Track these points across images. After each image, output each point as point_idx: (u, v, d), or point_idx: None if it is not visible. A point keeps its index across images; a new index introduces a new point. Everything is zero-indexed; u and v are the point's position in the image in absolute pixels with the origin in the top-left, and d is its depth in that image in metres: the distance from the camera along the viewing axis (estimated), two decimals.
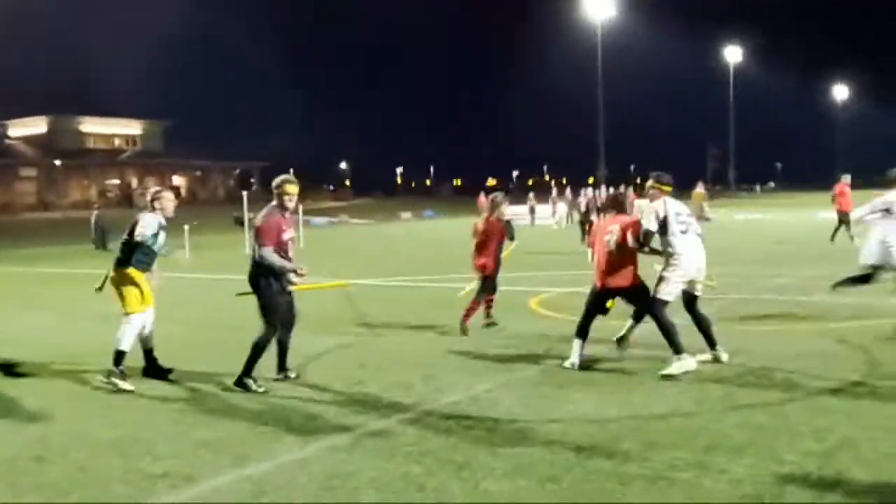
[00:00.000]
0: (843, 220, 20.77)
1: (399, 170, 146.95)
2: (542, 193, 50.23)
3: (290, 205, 7.09)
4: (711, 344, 7.34)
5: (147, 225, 7.11)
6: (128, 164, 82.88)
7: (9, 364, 7.98)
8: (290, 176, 7.17)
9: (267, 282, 6.79)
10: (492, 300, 9.74)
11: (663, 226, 7.08)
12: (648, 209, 7.20)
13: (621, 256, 7.18)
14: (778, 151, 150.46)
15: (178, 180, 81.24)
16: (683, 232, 7.11)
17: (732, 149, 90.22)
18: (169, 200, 7.40)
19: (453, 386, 6.68)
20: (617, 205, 8.15)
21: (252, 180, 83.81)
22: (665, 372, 6.76)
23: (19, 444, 5.38)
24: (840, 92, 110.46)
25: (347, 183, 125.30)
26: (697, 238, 7.25)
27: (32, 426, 5.86)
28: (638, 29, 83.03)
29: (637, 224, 7.22)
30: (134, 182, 77.35)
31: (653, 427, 5.42)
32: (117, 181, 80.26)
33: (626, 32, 71.09)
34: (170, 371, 7.31)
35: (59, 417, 6.07)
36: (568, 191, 40.68)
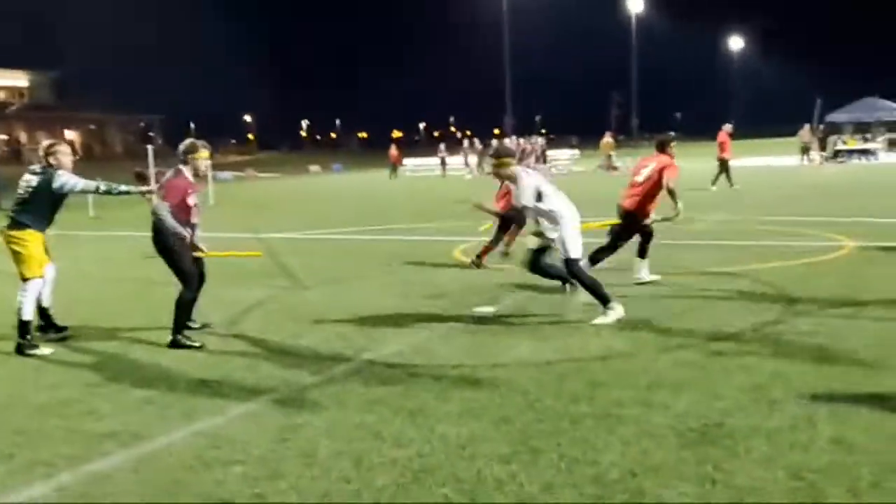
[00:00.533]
0: (723, 166, 22.28)
1: (305, 123, 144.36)
2: (451, 145, 50.32)
3: (203, 170, 6.93)
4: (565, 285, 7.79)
5: (71, 176, 6.73)
6: (15, 119, 78.60)
7: None
8: (199, 141, 6.95)
9: (172, 241, 6.56)
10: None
11: (539, 194, 7.07)
12: (523, 186, 7.07)
13: (643, 187, 8.40)
14: (677, 101, 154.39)
15: (71, 135, 77.51)
16: (553, 192, 7.16)
17: (634, 98, 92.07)
18: (65, 154, 6.91)
19: (391, 336, 6.71)
20: (660, 146, 8.75)
21: (151, 134, 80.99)
22: (597, 321, 6.93)
23: None
24: (736, 42, 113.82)
25: (250, 136, 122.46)
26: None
27: None
28: None
29: (673, 168, 8.40)
30: (23, 137, 73.52)
31: (593, 368, 5.58)
32: (4, 136, 76.12)
33: None
34: (65, 328, 7.10)
35: None
36: (476, 142, 40.87)
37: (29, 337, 6.60)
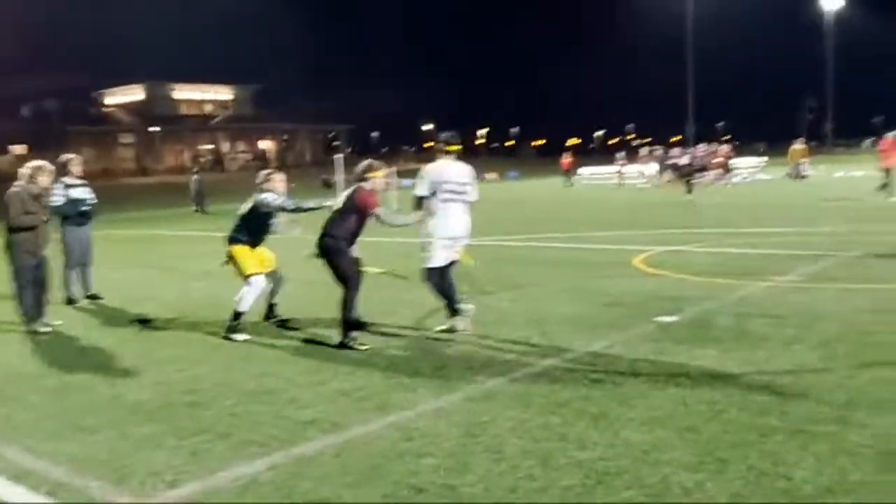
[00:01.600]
0: (888, 175, 21.22)
1: (482, 131, 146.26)
2: (629, 154, 49.35)
3: (381, 188, 7.42)
4: (453, 311, 7.29)
5: (274, 198, 7.62)
6: (219, 130, 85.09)
7: (145, 319, 8.47)
8: (375, 161, 7.52)
9: (339, 246, 7.00)
10: None
11: (434, 191, 7.10)
12: (423, 173, 7.23)
13: None
14: (879, 104, 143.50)
15: (265, 144, 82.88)
16: (446, 200, 7.20)
17: (830, 102, 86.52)
18: (279, 182, 7.84)
19: (572, 342, 6.78)
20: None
21: (336, 143, 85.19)
22: (441, 327, 7.33)
23: (172, 392, 5.74)
24: None
25: (428, 145, 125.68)
26: (462, 206, 7.38)
27: (179, 375, 6.23)
28: None
29: None
30: (226, 147, 79.45)
31: (782, 382, 5.41)
32: (210, 146, 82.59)
33: None
34: (287, 321, 7.97)
35: (201, 368, 6.43)
36: (659, 149, 39.88)
37: (237, 323, 7.45)
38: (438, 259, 7.28)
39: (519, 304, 8.70)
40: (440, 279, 7.32)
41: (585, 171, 47.20)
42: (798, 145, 35.98)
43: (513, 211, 24.95)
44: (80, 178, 10.19)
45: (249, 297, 7.53)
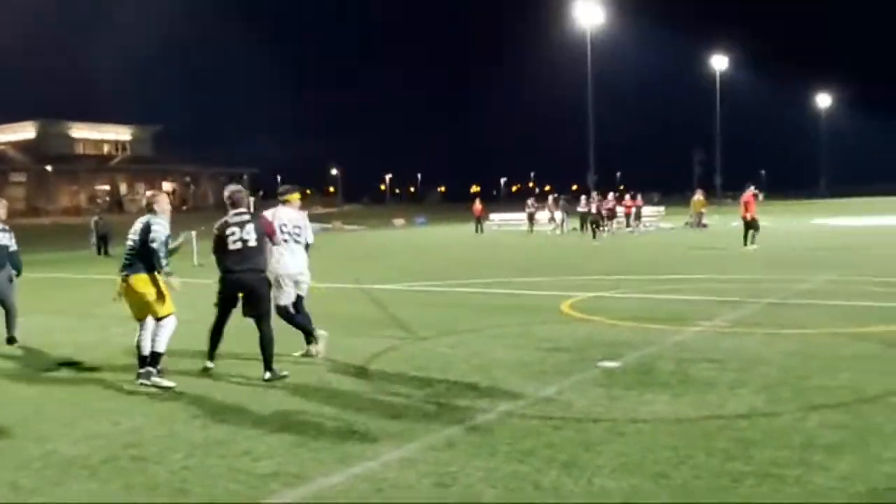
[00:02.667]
0: (749, 225, 22.78)
1: (388, 177, 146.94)
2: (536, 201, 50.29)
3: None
4: (308, 339, 8.12)
5: (162, 227, 7.15)
6: (117, 170, 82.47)
7: (71, 362, 8.07)
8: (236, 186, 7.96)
9: (264, 279, 7.56)
10: None
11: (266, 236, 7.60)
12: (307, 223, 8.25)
13: None
14: (762, 159, 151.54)
15: (167, 186, 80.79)
16: (285, 241, 7.91)
17: (719, 156, 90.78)
18: (166, 203, 7.49)
19: (521, 388, 6.74)
20: None
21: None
22: (299, 353, 8.01)
23: (114, 445, 5.38)
24: (823, 100, 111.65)
25: (332, 189, 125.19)
26: (297, 246, 8.04)
27: (116, 427, 5.86)
28: (625, 36, 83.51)
29: None
30: (123, 188, 76.98)
31: (739, 426, 5.49)
32: (107, 187, 79.86)
33: (613, 39, 71.26)
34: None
35: (138, 419, 6.06)
36: (562, 197, 40.82)
37: (159, 368, 7.09)
38: (287, 296, 7.97)
39: (459, 349, 8.61)
40: (292, 313, 8.04)
41: (495, 217, 47.82)
42: (698, 196, 37.50)
43: (433, 257, 25.01)
44: (3, 223, 9.71)
45: (166, 336, 7.13)
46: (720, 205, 73.08)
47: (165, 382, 6.99)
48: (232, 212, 7.47)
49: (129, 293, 7.15)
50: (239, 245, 7.33)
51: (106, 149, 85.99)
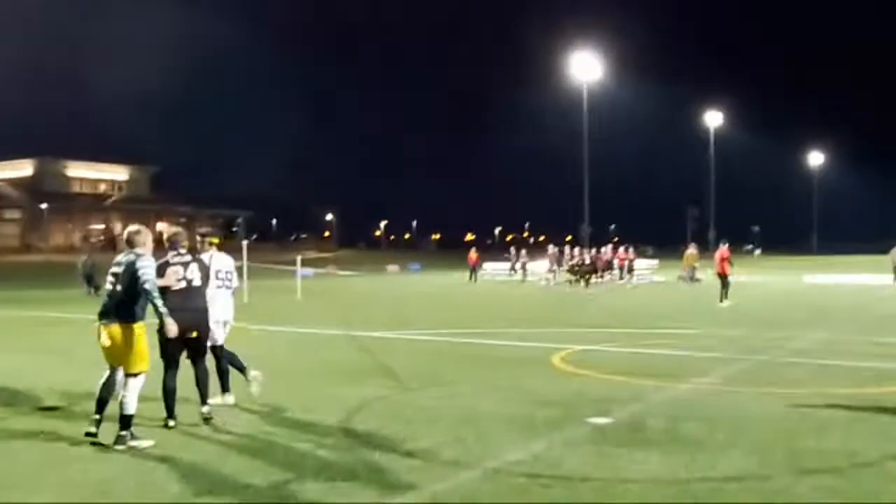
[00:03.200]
0: (724, 282, 23.12)
1: (383, 223, 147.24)
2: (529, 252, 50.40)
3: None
4: (225, 387, 8.04)
5: (150, 267, 6.54)
6: (113, 209, 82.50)
7: (43, 406, 7.86)
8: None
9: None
10: None
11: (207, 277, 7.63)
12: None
13: None
14: (755, 214, 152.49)
15: (162, 227, 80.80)
16: (218, 287, 8.03)
17: (712, 211, 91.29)
18: (149, 237, 6.84)
19: (510, 444, 6.57)
20: None
21: (235, 228, 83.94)
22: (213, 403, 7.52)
23: (83, 495, 5.19)
24: (815, 158, 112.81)
25: (326, 234, 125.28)
26: (226, 291, 8.21)
27: (89, 476, 5.66)
28: (622, 90, 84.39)
29: None
30: (118, 227, 76.93)
31: (731, 489, 5.33)
32: (102, 226, 79.81)
33: (610, 93, 71.96)
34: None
35: (113, 467, 5.87)
36: (552, 247, 40.68)
37: (132, 431, 6.46)
38: (221, 337, 8.13)
39: (446, 401, 8.44)
40: (231, 352, 8.22)
41: (488, 266, 47.77)
42: (692, 250, 37.53)
43: (425, 304, 24.88)
44: None
45: (135, 395, 6.48)
46: (713, 259, 73.26)
47: (144, 443, 6.44)
48: (172, 252, 7.38)
49: (107, 341, 6.54)
50: (183, 284, 7.27)
51: (102, 188, 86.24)
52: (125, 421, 6.43)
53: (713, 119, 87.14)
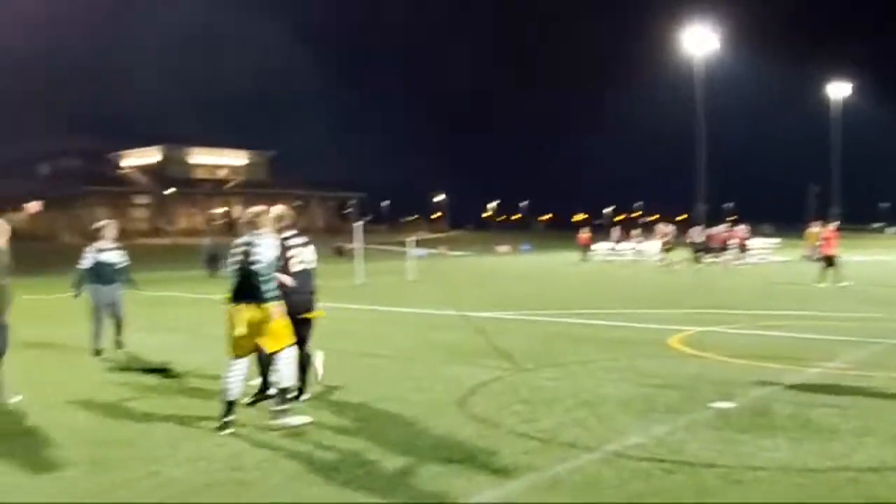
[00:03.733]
0: (830, 262, 21.93)
1: (492, 204, 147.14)
2: (630, 229, 49.35)
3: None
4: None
5: (266, 248, 6.52)
6: (233, 194, 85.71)
7: (165, 371, 8.20)
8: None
9: None
10: None
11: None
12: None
13: None
14: (883, 190, 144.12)
15: (278, 209, 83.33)
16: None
17: (836, 187, 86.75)
18: (270, 218, 6.87)
19: (630, 426, 6.46)
20: None
21: (348, 210, 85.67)
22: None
23: (217, 468, 5.42)
24: None
25: (436, 215, 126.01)
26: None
27: (223, 449, 5.91)
28: (738, 62, 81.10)
29: None
30: (238, 211, 79.84)
31: (868, 480, 5.07)
32: (223, 210, 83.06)
33: (725, 65, 69.26)
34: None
35: (245, 442, 6.11)
36: (671, 227, 39.63)
37: (286, 406, 6.51)
38: None
39: (563, 382, 8.38)
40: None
41: (599, 246, 47.08)
42: (816, 228, 35.79)
43: (536, 285, 24.76)
44: (114, 242, 10.91)
45: (287, 369, 6.54)
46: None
47: (297, 420, 6.44)
48: (288, 233, 7.28)
49: (242, 328, 6.47)
50: (301, 266, 7.30)
51: (223, 173, 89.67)
52: (282, 394, 6.45)
53: (838, 90, 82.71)
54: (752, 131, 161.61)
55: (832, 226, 23.44)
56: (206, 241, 32.64)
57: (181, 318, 16.35)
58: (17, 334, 8.25)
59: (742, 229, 36.43)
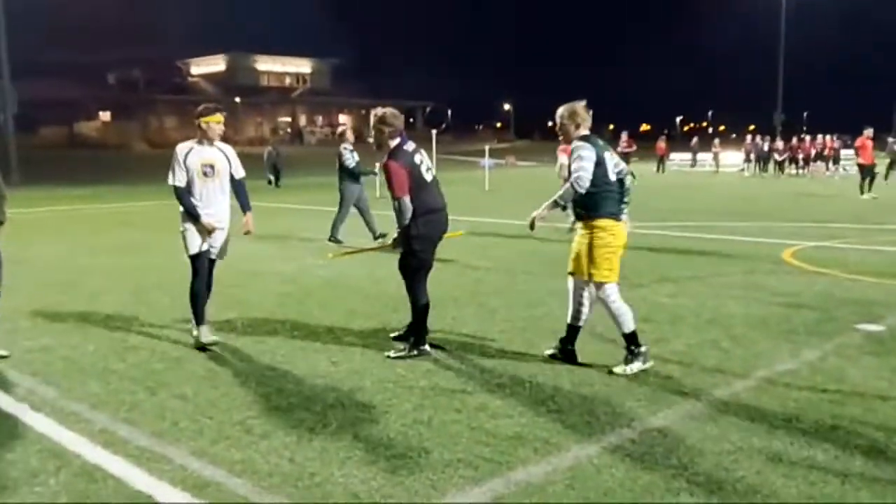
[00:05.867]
0: (866, 173, 21.08)
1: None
2: (704, 141, 47.58)
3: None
4: None
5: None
6: (298, 103, 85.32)
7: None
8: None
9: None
10: None
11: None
12: None
13: None
14: None
15: (343, 118, 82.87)
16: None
17: None
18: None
19: (774, 351, 5.89)
20: None
21: (411, 119, 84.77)
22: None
23: (338, 388, 5.06)
24: None
25: (500, 125, 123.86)
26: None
27: (340, 367, 5.55)
28: None
29: None
30: (303, 120, 79.62)
31: None
32: (288, 119, 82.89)
33: None
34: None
35: (368, 361, 5.75)
36: (759, 138, 37.99)
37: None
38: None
39: (682, 300, 7.80)
40: None
41: (676, 156, 45.62)
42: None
43: None
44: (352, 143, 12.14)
45: (618, 307, 5.49)
46: None
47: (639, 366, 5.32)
48: (399, 140, 5.81)
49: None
50: (431, 176, 5.93)
51: (288, 81, 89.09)
52: (628, 339, 5.39)
53: None
54: (835, 34, 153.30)
55: (866, 133, 21.91)
56: (268, 150, 31.75)
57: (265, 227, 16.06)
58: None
59: (835, 140, 34.69)
